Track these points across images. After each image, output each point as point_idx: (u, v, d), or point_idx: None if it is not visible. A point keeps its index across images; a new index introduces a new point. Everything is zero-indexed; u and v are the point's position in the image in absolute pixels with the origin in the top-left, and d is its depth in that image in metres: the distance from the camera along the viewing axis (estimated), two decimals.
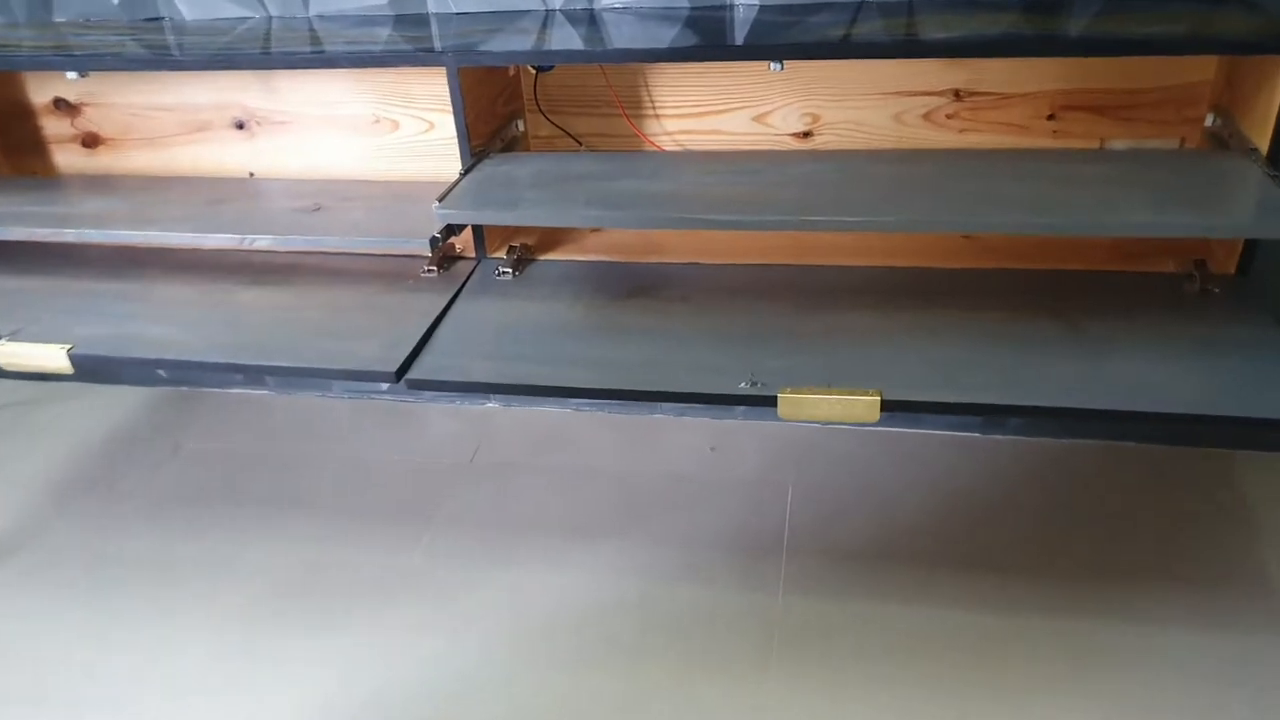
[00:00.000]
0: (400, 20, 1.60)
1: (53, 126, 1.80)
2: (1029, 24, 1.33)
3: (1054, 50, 1.28)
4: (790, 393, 1.13)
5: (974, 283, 1.31)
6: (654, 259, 1.44)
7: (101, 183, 1.70)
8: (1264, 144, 1.22)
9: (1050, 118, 1.47)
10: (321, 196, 1.54)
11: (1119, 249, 1.34)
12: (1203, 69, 1.40)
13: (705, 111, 1.58)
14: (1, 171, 1.86)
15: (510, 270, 1.43)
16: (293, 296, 1.42)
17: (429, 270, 1.46)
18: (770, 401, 1.14)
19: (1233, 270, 1.28)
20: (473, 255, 1.50)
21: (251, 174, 1.77)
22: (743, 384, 1.16)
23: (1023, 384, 1.11)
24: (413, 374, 1.23)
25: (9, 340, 1.34)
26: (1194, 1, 1.36)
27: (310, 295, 1.42)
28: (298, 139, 1.72)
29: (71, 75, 1.55)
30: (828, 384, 1.14)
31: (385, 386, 2.07)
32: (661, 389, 1.17)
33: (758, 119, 1.57)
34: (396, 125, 1.67)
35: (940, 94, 1.49)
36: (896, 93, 1.50)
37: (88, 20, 1.73)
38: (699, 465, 1.80)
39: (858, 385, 1.14)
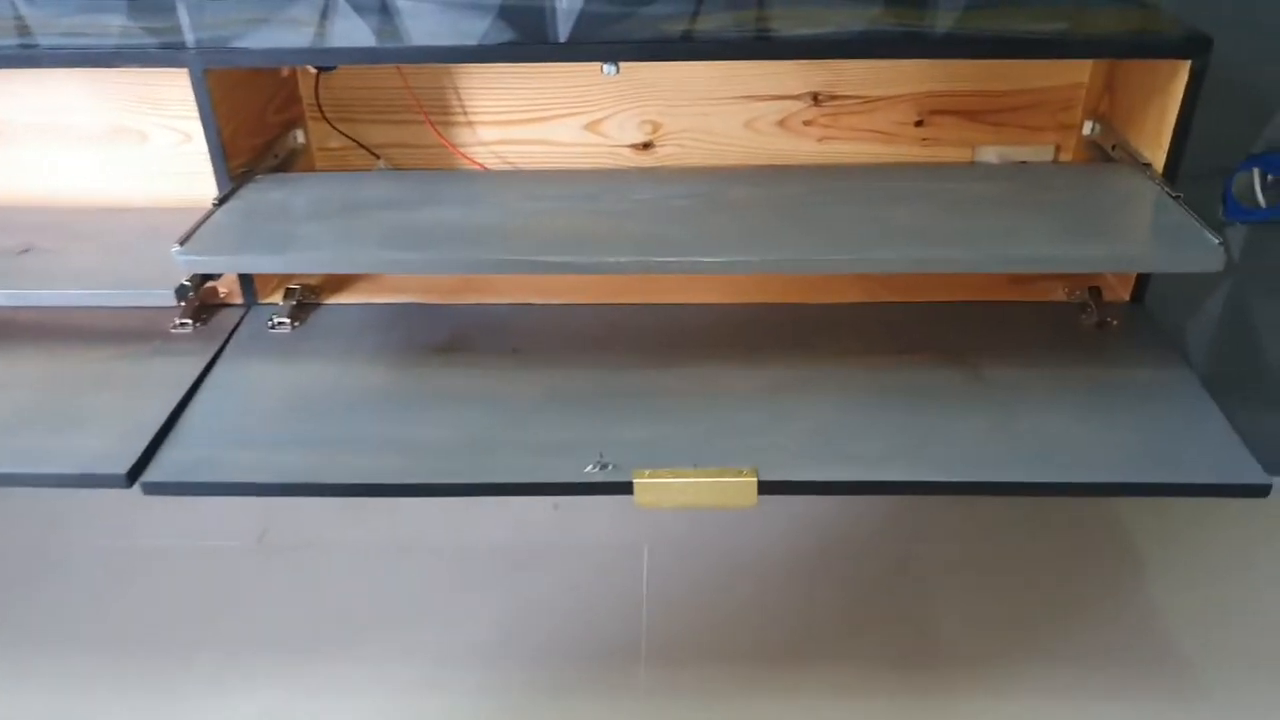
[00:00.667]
0: (139, 6, 1.27)
1: None
2: (894, 19, 1.15)
3: (924, 50, 1.11)
4: (648, 476, 0.90)
5: (853, 320, 1.13)
6: (474, 299, 1.18)
7: None
8: (1158, 158, 1.08)
9: (918, 123, 1.30)
10: (35, 232, 1.20)
11: (1009, 276, 1.19)
12: (1078, 71, 1.26)
13: (528, 118, 1.33)
14: None
15: (288, 320, 1.14)
16: None
17: (182, 324, 1.15)
18: (624, 488, 0.91)
19: (1127, 297, 1.15)
20: (240, 301, 1.20)
21: None
22: (590, 467, 0.92)
23: (924, 452, 0.93)
24: (151, 475, 0.93)
25: None
26: None
27: (20, 366, 1.08)
28: (8, 154, 1.36)
29: None
30: (693, 462, 0.92)
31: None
32: (486, 480, 0.93)
33: (590, 127, 1.33)
34: (144, 137, 1.34)
35: (797, 98, 1.29)
36: (747, 97, 1.30)
37: None
38: (539, 528, 1.56)
39: (729, 461, 0.93)
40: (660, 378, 1.04)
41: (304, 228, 1.01)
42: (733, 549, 1.49)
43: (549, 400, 1.02)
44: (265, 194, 1.10)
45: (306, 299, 1.18)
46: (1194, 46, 1.00)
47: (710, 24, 1.14)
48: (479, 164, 1.34)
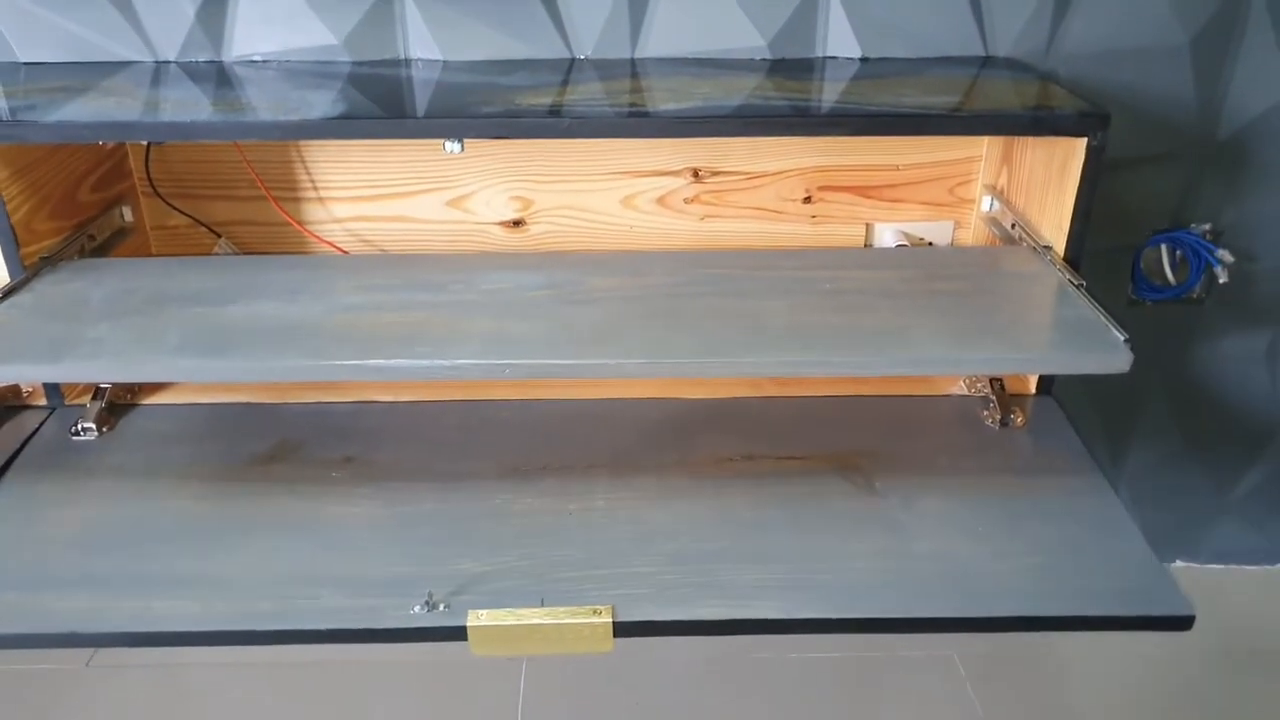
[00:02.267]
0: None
1: None
2: (776, 91, 1.06)
3: (808, 128, 1.02)
4: (485, 618, 0.77)
5: (734, 416, 1.02)
6: (310, 396, 1.05)
7: None
8: (1058, 240, 1.00)
9: (807, 200, 1.21)
10: None
11: None
12: (974, 144, 1.18)
13: (385, 194, 1.21)
14: None
15: (94, 426, 0.99)
16: None
17: None
18: (457, 633, 0.78)
19: (1032, 390, 1.05)
20: (44, 403, 1.05)
21: None
22: (416, 607, 0.79)
23: (807, 582, 0.81)
24: None
25: None
26: (955, 65, 1.15)
27: None
28: None
29: None
30: (540, 598, 0.80)
31: None
32: (293, 627, 0.78)
33: (454, 203, 1.22)
34: None
35: (676, 174, 1.20)
36: (624, 173, 1.20)
37: None
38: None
39: (582, 596, 0.80)
40: (513, 490, 0.92)
41: (93, 329, 0.87)
42: (617, 663, 1.36)
43: (382, 522, 0.89)
44: (62, 285, 0.96)
45: (119, 399, 1.04)
46: (1091, 123, 0.92)
47: (579, 95, 1.04)
48: (330, 243, 1.21)
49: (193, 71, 1.14)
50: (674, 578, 0.82)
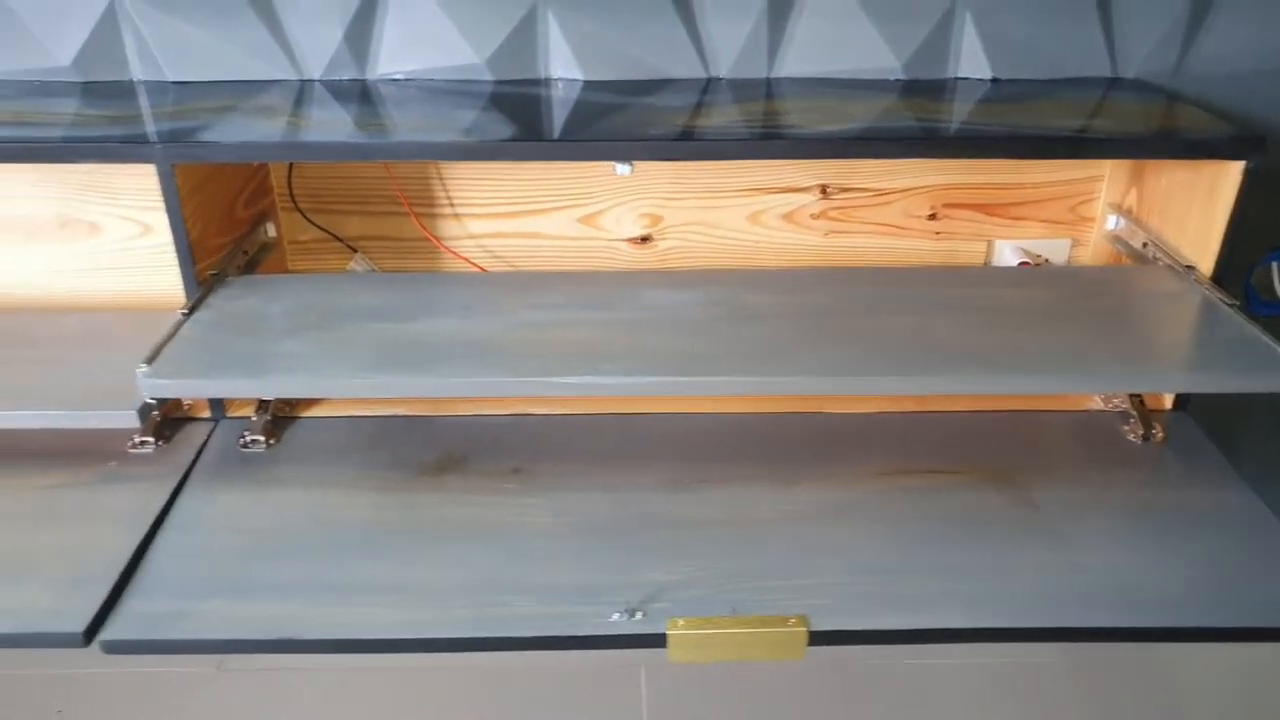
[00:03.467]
0: (92, 90, 1.17)
1: None
2: (908, 111, 1.09)
3: (940, 150, 1.04)
4: (683, 627, 0.80)
5: (880, 431, 1.04)
6: (467, 410, 1.07)
7: None
8: (1203, 261, 1.02)
9: (932, 216, 1.24)
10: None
11: None
12: (1097, 164, 1.21)
13: (520, 211, 1.24)
14: None
15: (262, 438, 1.02)
16: None
17: (142, 443, 1.02)
18: (656, 640, 0.81)
19: (1169, 405, 1.08)
20: (207, 415, 1.08)
21: None
22: (616, 615, 0.82)
23: (985, 593, 0.83)
24: (110, 632, 0.80)
25: None
26: (1086, 86, 1.17)
27: None
28: None
29: None
30: (730, 607, 0.82)
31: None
32: (494, 634, 0.81)
33: (586, 220, 1.24)
34: (96, 229, 1.22)
35: (805, 190, 1.22)
36: (753, 190, 1.22)
37: None
38: None
39: (768, 606, 0.83)
40: (681, 503, 0.95)
41: (283, 345, 0.90)
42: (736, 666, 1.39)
43: (559, 532, 0.91)
44: (237, 301, 0.99)
45: (281, 412, 1.06)
46: (1247, 146, 0.94)
47: (717, 117, 1.07)
48: (465, 259, 1.24)
49: (338, 90, 1.17)
50: (853, 588, 0.85)
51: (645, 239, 1.25)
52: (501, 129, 1.01)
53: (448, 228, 1.25)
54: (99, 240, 1.23)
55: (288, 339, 0.91)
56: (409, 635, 0.81)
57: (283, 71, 1.19)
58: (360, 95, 1.16)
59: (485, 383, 0.86)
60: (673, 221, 1.24)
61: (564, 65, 1.18)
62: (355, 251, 1.25)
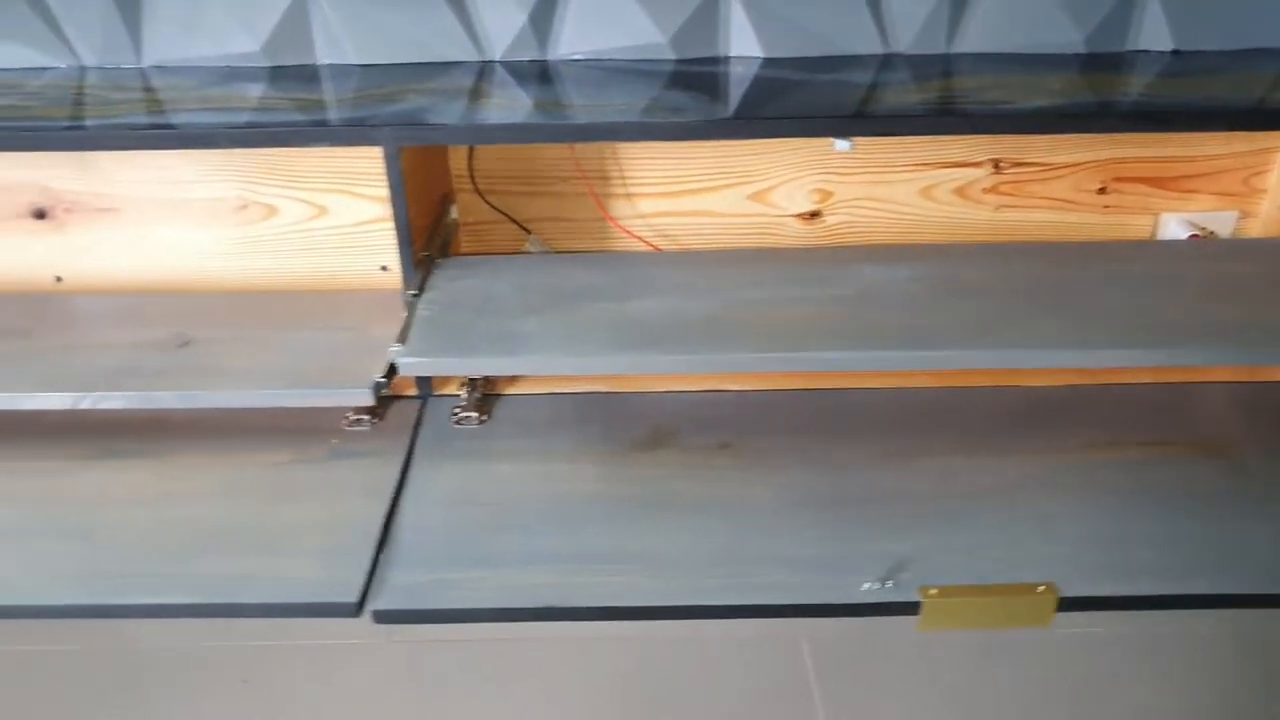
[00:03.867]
0: (278, 74, 1.19)
1: None
2: (1086, 85, 1.10)
3: (1118, 125, 1.05)
4: (937, 595, 0.83)
5: (1083, 405, 1.06)
6: (664, 386, 1.10)
7: None
8: None
9: (1101, 190, 1.25)
10: (181, 320, 1.11)
11: None
12: (1273, 135, 1.21)
13: (690, 189, 1.26)
14: None
15: (474, 414, 1.05)
16: (160, 479, 0.98)
17: (358, 421, 1.05)
18: (909, 608, 0.83)
19: None
20: (413, 393, 1.11)
21: (59, 279, 1.29)
22: (867, 584, 0.84)
23: (1227, 562, 0.86)
24: (380, 602, 0.84)
25: None
26: (1269, 58, 1.18)
27: (186, 475, 0.99)
28: (128, 232, 1.26)
29: None
30: (977, 575, 0.85)
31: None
32: (750, 601, 0.84)
33: (755, 197, 1.26)
34: (273, 211, 1.25)
35: (978, 165, 1.23)
36: (925, 165, 1.23)
37: None
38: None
39: (1008, 575, 0.85)
40: (897, 476, 0.97)
41: (524, 324, 0.92)
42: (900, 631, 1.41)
43: (783, 505, 0.94)
44: (457, 282, 1.01)
45: (487, 390, 1.09)
46: None
47: (894, 94, 1.09)
48: (640, 238, 1.26)
49: (519, 71, 1.18)
50: (1092, 558, 0.87)
51: (814, 214, 1.27)
52: (688, 107, 1.03)
53: (619, 207, 1.26)
54: (275, 222, 1.26)
55: (526, 319, 0.93)
56: (670, 602, 0.84)
57: (465, 53, 1.20)
58: (540, 76, 1.17)
59: (732, 360, 0.88)
60: (843, 197, 1.26)
61: (744, 43, 1.20)
62: (529, 233, 1.27)
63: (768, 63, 1.19)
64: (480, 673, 1.38)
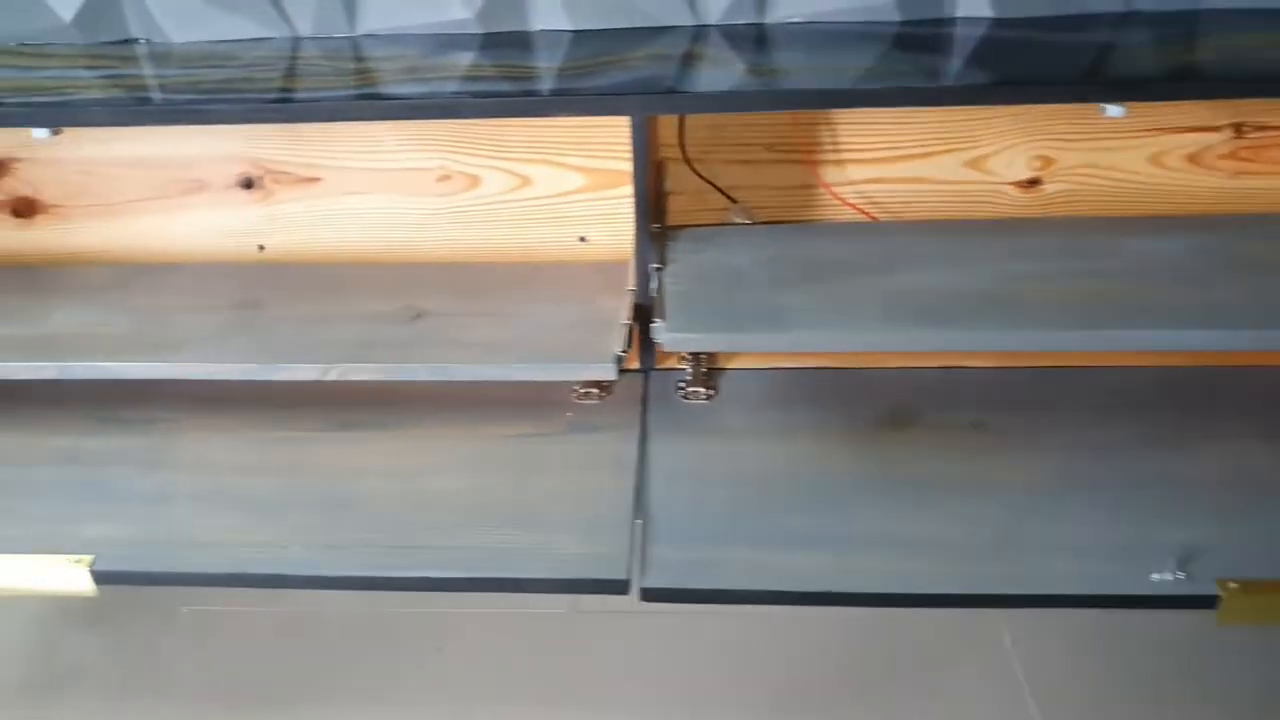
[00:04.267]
0: (491, 41, 1.17)
1: None
2: None
3: None
4: (1238, 589, 0.78)
5: None
6: (892, 362, 1.06)
7: (55, 276, 1.20)
8: None
9: None
10: (407, 291, 1.10)
11: None
12: None
13: (904, 155, 1.21)
14: None
15: (702, 389, 1.03)
16: (404, 452, 0.98)
17: (586, 394, 1.04)
18: (1205, 602, 0.79)
19: None
20: (635, 367, 1.09)
21: (261, 247, 1.30)
22: (1157, 575, 0.80)
23: None
24: (651, 579, 0.83)
25: None
26: None
27: (429, 448, 0.99)
28: (329, 202, 1.27)
29: (40, 133, 1.05)
30: (1276, 568, 0.80)
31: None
32: (1038, 591, 0.81)
33: (971, 164, 1.21)
34: (475, 182, 1.24)
35: (1217, 129, 1.17)
36: (1157, 130, 1.17)
37: (21, 45, 1.22)
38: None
39: None
40: (1169, 460, 0.92)
41: (785, 298, 0.89)
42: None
43: (1053, 489, 0.90)
44: (696, 255, 0.99)
45: (711, 364, 1.07)
46: None
47: (1132, 54, 1.03)
48: (855, 207, 1.22)
49: (735, 35, 1.15)
50: None
51: (1033, 182, 1.22)
52: (912, 71, 0.98)
53: (829, 174, 1.23)
54: (477, 193, 1.25)
55: (786, 293, 0.90)
56: (956, 591, 0.81)
57: (679, 16, 1.17)
58: (756, 39, 1.14)
59: (1044, 339, 0.84)
60: (1065, 164, 1.20)
61: (974, 3, 1.14)
62: (734, 202, 1.24)
63: (997, 23, 1.14)
64: (665, 642, 1.38)
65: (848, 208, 1.23)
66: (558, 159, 1.23)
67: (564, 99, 0.95)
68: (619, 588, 0.82)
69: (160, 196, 1.27)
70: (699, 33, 1.16)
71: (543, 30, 1.19)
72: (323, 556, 0.85)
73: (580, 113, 0.97)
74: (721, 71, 1.03)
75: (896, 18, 1.15)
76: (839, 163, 1.22)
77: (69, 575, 0.84)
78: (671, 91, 0.94)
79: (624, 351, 0.94)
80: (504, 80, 1.05)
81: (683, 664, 1.34)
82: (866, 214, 1.23)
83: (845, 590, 0.81)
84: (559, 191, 1.25)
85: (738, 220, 1.24)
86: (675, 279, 0.94)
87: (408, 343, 0.99)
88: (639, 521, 0.87)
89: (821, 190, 1.22)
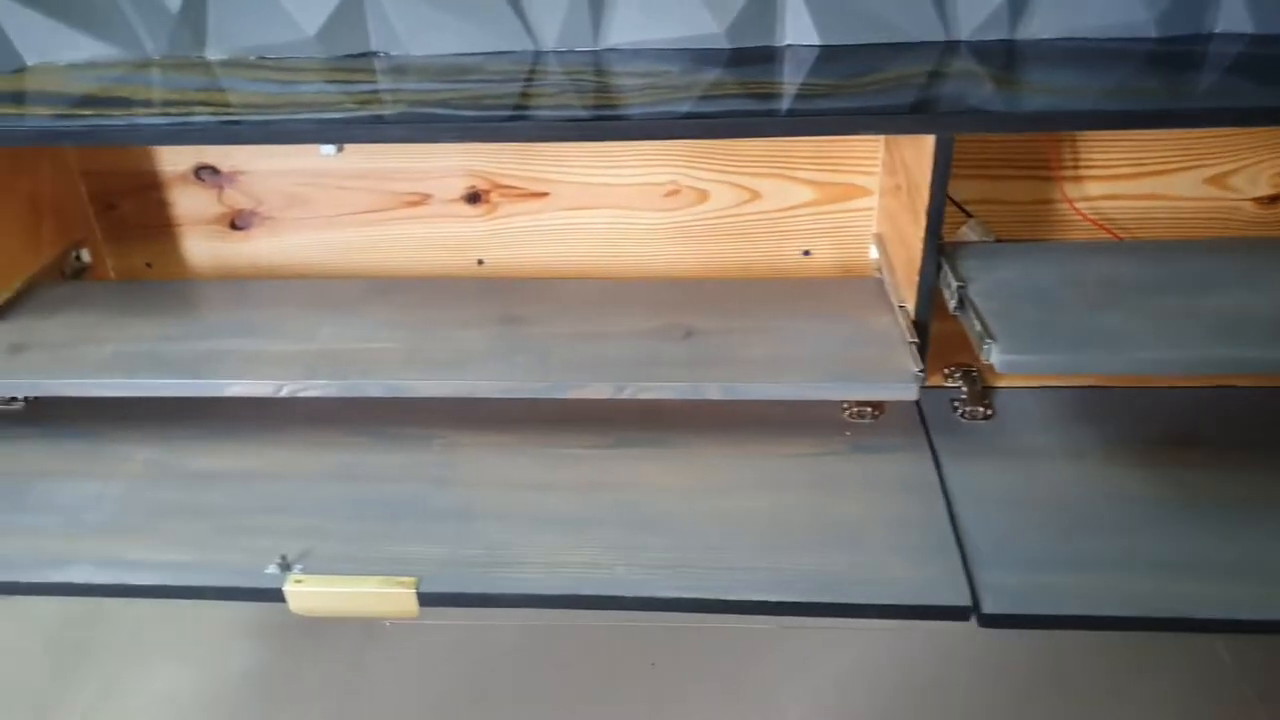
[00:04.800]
0: (738, 57, 1.17)
1: (190, 204, 1.29)
2: None
3: None
4: None
5: None
6: (1163, 381, 1.05)
7: (284, 289, 1.20)
8: None
9: None
10: (653, 305, 1.10)
11: None
12: None
13: (1143, 172, 1.20)
14: (108, 271, 1.33)
15: (981, 409, 1.02)
16: (685, 469, 0.98)
17: (860, 413, 1.04)
18: None
19: None
20: None
21: (480, 261, 1.30)
22: None
23: None
24: (991, 605, 0.82)
25: (302, 573, 0.86)
26: None
27: (711, 465, 0.98)
28: (552, 217, 1.27)
29: (328, 150, 1.05)
30: None
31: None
32: None
33: (1212, 180, 1.20)
34: (704, 196, 1.24)
35: None
36: None
37: (261, 58, 1.22)
38: None
39: None
40: None
41: (1102, 320, 0.88)
42: None
43: None
44: (989, 274, 0.98)
45: (980, 382, 1.06)
46: None
47: None
48: (1100, 225, 1.21)
49: (981, 50, 1.14)
50: None
51: (1274, 199, 1.20)
52: (1187, 91, 0.97)
53: (1067, 191, 1.22)
54: (704, 208, 1.25)
55: (1102, 314, 0.89)
56: None
57: (931, 32, 1.16)
58: (1006, 55, 1.13)
59: None
60: None
61: (1233, 18, 1.13)
62: (970, 216, 1.23)
63: (1254, 40, 1.13)
64: (879, 656, 1.37)
65: (1089, 223, 1.22)
66: (790, 173, 1.22)
67: (869, 118, 0.94)
68: (960, 615, 0.82)
69: (380, 209, 1.28)
70: (947, 48, 1.16)
71: (790, 45, 1.18)
72: (650, 577, 0.84)
73: (880, 131, 0.97)
74: (1002, 90, 1.02)
75: (1154, 34, 1.14)
76: (1078, 179, 1.21)
77: (395, 598, 0.84)
78: (977, 112, 0.93)
79: (922, 370, 0.94)
80: (788, 98, 1.03)
81: (873, 680, 1.34)
82: (1110, 231, 1.22)
83: (1194, 616, 0.80)
84: (786, 205, 1.24)
85: (973, 236, 1.23)
86: (984, 298, 0.93)
87: (688, 361, 0.98)
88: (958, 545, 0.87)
89: (1061, 206, 1.21)
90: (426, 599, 0.85)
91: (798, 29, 1.17)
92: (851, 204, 1.23)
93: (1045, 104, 0.96)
